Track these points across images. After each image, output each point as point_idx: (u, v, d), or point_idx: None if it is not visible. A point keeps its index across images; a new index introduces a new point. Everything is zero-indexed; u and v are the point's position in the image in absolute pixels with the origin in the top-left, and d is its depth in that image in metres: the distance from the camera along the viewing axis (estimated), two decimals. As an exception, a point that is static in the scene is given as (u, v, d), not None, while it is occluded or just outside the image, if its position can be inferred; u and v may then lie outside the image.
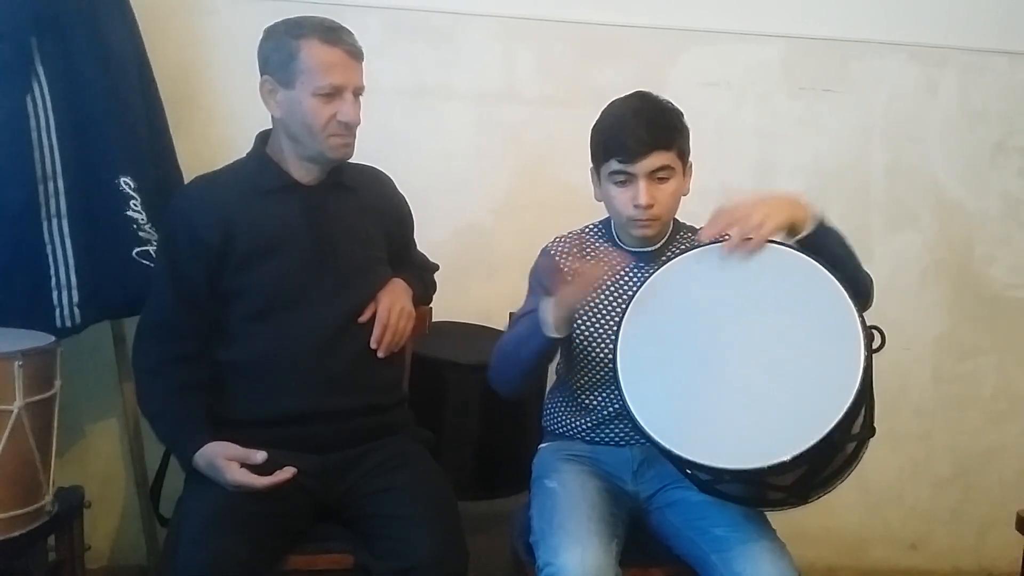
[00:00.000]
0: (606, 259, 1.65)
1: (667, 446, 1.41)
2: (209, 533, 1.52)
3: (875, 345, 1.38)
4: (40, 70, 1.87)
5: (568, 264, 1.74)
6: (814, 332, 1.40)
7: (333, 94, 1.64)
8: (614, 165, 1.64)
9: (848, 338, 1.36)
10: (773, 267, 1.47)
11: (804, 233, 1.50)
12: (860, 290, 1.54)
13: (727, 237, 1.48)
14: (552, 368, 1.88)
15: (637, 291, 1.55)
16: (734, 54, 2.43)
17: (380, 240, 1.82)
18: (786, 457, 1.32)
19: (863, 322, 1.38)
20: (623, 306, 1.56)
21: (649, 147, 1.61)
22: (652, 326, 1.50)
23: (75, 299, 1.91)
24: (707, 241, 1.51)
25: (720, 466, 1.38)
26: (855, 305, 1.39)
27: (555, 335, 1.58)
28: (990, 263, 2.59)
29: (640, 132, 1.61)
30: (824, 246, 1.50)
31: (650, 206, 1.63)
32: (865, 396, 1.38)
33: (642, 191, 1.62)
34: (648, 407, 1.45)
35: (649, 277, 1.55)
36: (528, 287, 1.77)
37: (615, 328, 1.54)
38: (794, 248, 1.47)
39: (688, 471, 1.47)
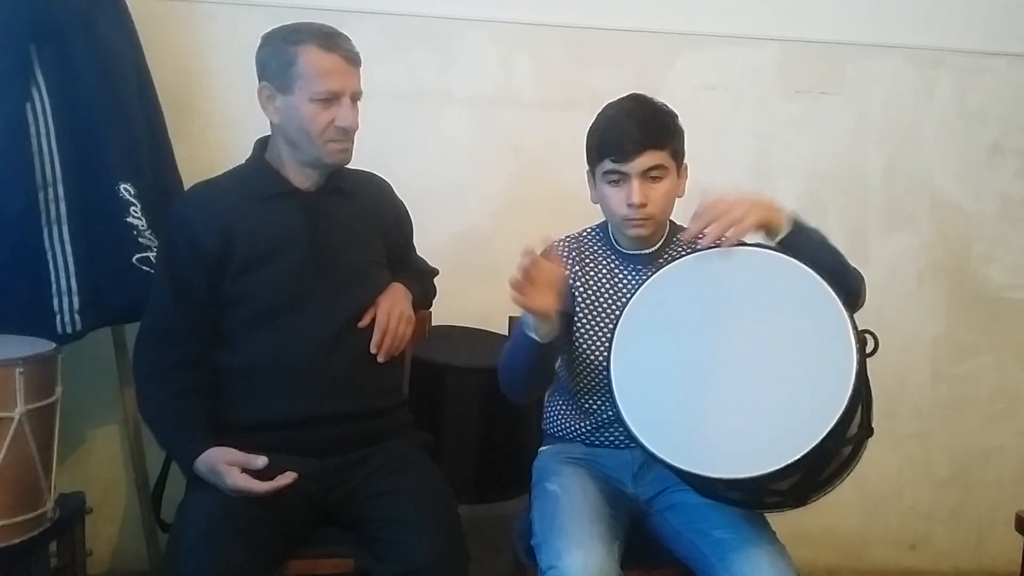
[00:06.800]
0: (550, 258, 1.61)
1: (661, 455, 1.42)
2: (210, 538, 1.52)
3: (868, 349, 1.39)
4: (39, 77, 1.88)
5: (568, 268, 1.74)
6: (806, 339, 1.41)
7: (331, 99, 1.65)
8: (608, 165, 1.65)
9: (840, 344, 1.36)
10: (766, 274, 1.47)
11: (781, 235, 1.51)
12: (850, 290, 1.55)
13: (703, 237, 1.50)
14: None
15: (631, 298, 1.55)
16: (730, 57, 2.44)
17: (379, 245, 1.83)
18: (778, 466, 1.32)
19: (855, 327, 1.38)
20: (620, 310, 1.57)
21: (642, 146, 1.61)
22: (645, 334, 1.51)
23: (75, 305, 1.91)
24: (689, 239, 1.52)
25: (713, 476, 1.39)
26: (847, 310, 1.39)
27: (534, 335, 1.56)
28: (987, 263, 2.60)
29: (633, 132, 1.62)
30: (803, 247, 1.51)
31: (643, 205, 1.63)
32: (858, 401, 1.38)
33: (635, 190, 1.62)
34: (642, 416, 1.46)
35: (644, 282, 1.56)
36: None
37: (612, 334, 1.54)
38: (786, 254, 1.48)
39: (684, 478, 1.47)
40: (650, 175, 1.64)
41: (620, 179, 1.64)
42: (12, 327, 1.83)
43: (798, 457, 1.32)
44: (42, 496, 1.71)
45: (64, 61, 1.90)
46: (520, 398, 1.75)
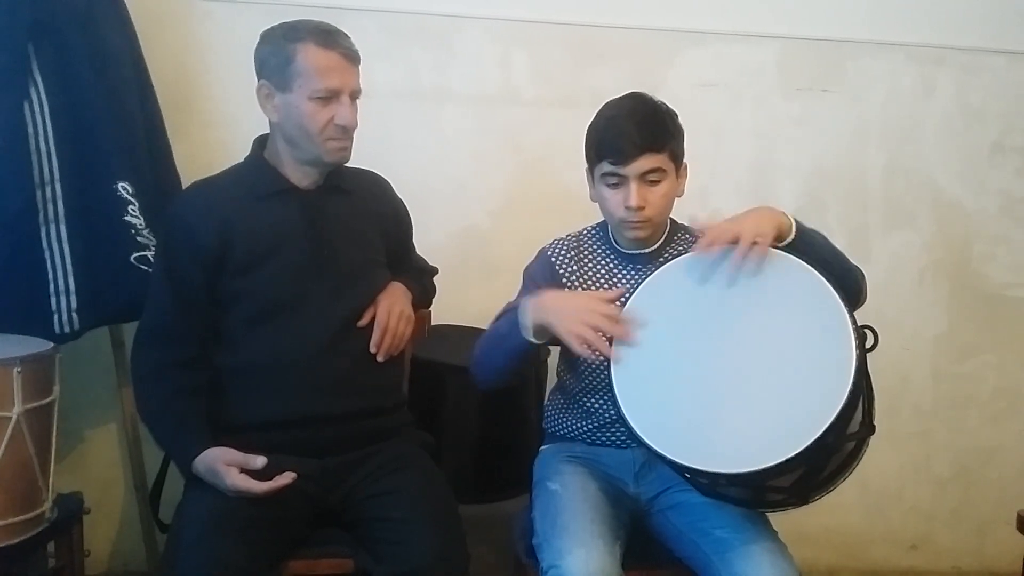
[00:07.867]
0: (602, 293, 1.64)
1: (662, 451, 1.41)
2: (209, 538, 1.52)
3: (868, 344, 1.39)
4: (37, 76, 1.87)
5: (566, 267, 1.74)
6: (806, 334, 1.40)
7: (330, 98, 1.64)
8: (606, 167, 1.64)
9: (840, 339, 1.36)
10: (764, 270, 1.47)
11: (789, 239, 1.51)
12: (851, 287, 1.55)
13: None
14: (552, 370, 1.88)
15: (630, 297, 1.55)
16: (730, 55, 2.44)
17: (378, 243, 1.82)
18: (779, 460, 1.32)
19: (854, 322, 1.38)
20: (619, 309, 1.56)
21: (640, 149, 1.61)
22: (644, 333, 1.50)
23: (73, 304, 1.91)
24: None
25: (715, 470, 1.38)
26: (846, 306, 1.39)
27: (531, 339, 1.56)
28: (988, 262, 2.59)
29: (631, 134, 1.61)
30: (808, 248, 1.51)
31: (641, 208, 1.62)
32: (859, 396, 1.38)
33: (633, 193, 1.62)
34: (643, 413, 1.45)
35: (642, 281, 1.55)
36: (522, 283, 1.77)
37: None
38: (784, 251, 1.48)
39: (686, 475, 1.47)
40: (648, 178, 1.63)
41: (618, 181, 1.64)
42: (10, 326, 1.82)
43: (798, 451, 1.31)
44: (40, 496, 1.71)
45: (62, 59, 1.90)
46: (491, 386, 1.73)
